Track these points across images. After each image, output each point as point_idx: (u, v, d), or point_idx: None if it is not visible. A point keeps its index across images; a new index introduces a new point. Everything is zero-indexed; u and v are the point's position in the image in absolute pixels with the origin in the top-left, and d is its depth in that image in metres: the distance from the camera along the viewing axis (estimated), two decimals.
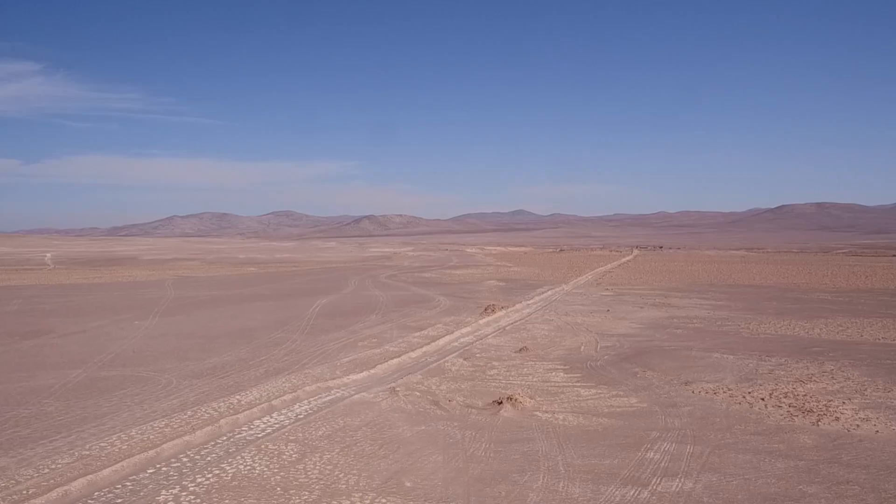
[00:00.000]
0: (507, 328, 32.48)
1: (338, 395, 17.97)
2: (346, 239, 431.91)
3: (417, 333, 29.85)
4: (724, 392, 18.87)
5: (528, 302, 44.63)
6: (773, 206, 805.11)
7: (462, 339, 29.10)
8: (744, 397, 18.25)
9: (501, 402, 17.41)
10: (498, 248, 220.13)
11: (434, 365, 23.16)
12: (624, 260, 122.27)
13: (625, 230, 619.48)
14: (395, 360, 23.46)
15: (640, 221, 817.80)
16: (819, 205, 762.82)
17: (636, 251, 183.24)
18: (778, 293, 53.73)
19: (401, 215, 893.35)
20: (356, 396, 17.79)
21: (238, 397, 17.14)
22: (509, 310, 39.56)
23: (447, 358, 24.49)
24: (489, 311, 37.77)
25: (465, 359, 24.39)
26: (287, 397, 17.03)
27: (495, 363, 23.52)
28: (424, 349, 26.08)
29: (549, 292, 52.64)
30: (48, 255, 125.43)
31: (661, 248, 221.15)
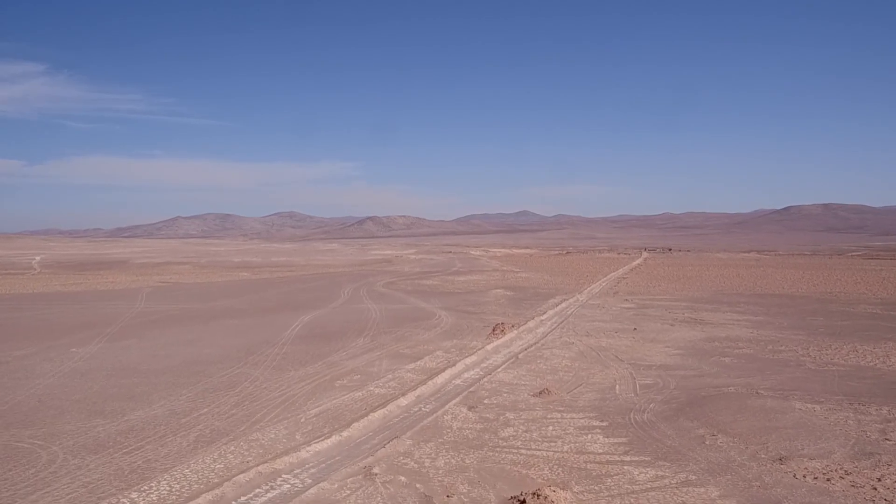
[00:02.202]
0: (520, 356, 26.91)
1: (284, 488, 12.32)
2: (349, 240, 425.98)
3: (412, 365, 24.33)
4: (841, 477, 13.22)
5: (542, 318, 39.00)
6: (779, 207, 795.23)
7: (466, 375, 23.52)
8: (874, 488, 12.62)
9: (524, 502, 11.85)
10: (502, 249, 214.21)
11: (429, 419, 17.61)
12: (634, 264, 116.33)
13: (629, 231, 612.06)
14: (379, 413, 17.91)
15: (644, 222, 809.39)
16: (826, 206, 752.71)
17: (645, 253, 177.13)
18: (818, 305, 47.99)
19: (404, 216, 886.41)
20: (311, 492, 12.17)
21: (132, 497, 11.55)
22: (521, 329, 33.97)
23: (447, 406, 18.95)
24: (498, 332, 32.17)
25: (469, 407, 18.84)
26: (203, 500, 11.40)
27: (510, 415, 17.96)
28: (418, 392, 20.53)
29: (563, 304, 47.03)
30: (37, 258, 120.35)
31: (669, 250, 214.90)
